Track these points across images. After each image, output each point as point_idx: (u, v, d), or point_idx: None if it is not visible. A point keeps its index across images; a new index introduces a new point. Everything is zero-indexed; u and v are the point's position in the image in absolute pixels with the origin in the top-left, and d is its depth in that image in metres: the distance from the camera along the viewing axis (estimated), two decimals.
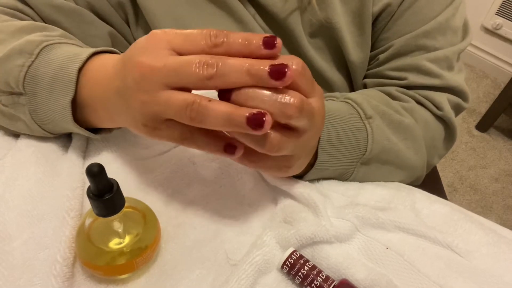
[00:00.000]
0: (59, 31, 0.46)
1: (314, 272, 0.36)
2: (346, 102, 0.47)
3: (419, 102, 0.52)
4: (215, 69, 0.29)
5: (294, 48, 0.54)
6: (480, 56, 2.06)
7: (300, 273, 0.36)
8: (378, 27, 0.52)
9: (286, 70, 0.29)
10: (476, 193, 1.59)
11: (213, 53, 0.30)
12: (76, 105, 0.40)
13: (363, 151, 0.44)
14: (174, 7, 0.52)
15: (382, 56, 0.53)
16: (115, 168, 0.45)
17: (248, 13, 0.52)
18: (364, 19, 0.50)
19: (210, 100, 0.29)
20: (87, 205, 0.38)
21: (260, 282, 0.37)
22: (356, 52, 0.53)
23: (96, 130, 0.43)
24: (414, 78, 0.52)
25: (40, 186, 0.41)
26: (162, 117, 0.31)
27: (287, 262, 0.37)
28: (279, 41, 0.30)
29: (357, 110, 0.45)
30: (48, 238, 0.37)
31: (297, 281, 0.37)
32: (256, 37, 0.30)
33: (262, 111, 0.29)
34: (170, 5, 0.51)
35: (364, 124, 0.45)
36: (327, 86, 0.57)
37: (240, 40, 0.30)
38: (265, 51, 0.30)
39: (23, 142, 0.44)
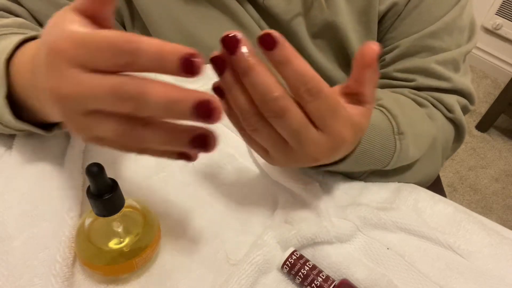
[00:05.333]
0: (10, 20, 0.42)
1: (314, 272, 0.36)
2: (380, 110, 0.44)
3: (432, 105, 0.51)
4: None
5: (297, 49, 0.54)
6: (480, 56, 2.06)
7: (300, 273, 0.36)
8: (384, 26, 0.51)
9: (211, 107, 0.24)
10: (476, 193, 1.59)
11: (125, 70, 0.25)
12: (15, 99, 0.37)
13: (384, 166, 0.43)
14: (172, 9, 0.51)
15: (388, 57, 0.52)
16: (115, 168, 0.45)
17: (248, 16, 0.51)
18: (370, 18, 0.50)
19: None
20: (87, 205, 0.38)
21: (260, 282, 0.37)
22: None
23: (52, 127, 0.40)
24: (422, 80, 0.51)
25: (40, 186, 0.41)
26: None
27: (287, 262, 0.37)
28: (200, 62, 0.24)
29: (391, 123, 0.43)
30: (48, 238, 0.37)
31: (297, 281, 0.37)
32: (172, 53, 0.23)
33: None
34: (168, 7, 0.51)
35: (394, 140, 0.43)
36: (331, 85, 0.57)
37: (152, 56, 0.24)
38: (184, 76, 0.24)
39: (21, 141, 0.44)
